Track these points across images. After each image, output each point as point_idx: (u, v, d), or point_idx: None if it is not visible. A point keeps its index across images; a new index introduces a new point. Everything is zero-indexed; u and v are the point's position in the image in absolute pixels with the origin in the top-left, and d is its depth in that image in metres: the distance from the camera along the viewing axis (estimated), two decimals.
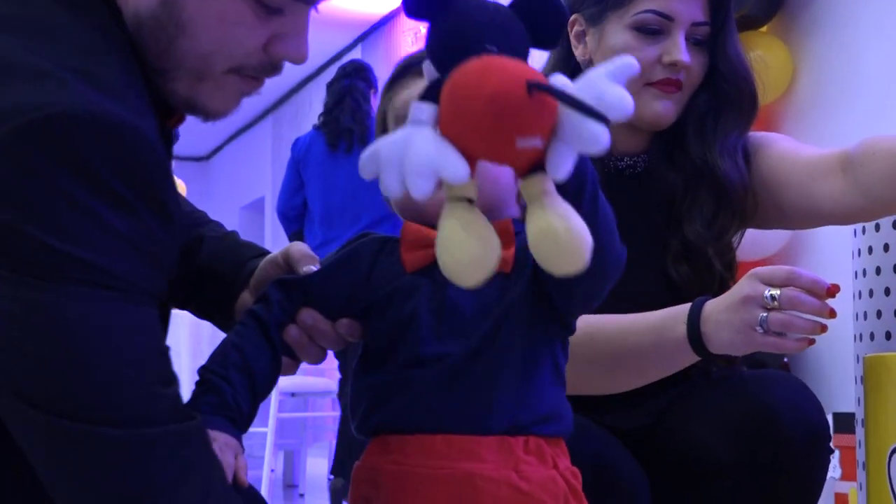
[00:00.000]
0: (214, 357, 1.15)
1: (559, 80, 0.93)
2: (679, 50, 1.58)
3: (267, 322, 1.17)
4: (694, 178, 1.63)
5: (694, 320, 1.39)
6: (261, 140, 9.45)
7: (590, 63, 1.64)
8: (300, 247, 1.24)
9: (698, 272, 1.61)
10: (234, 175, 10.31)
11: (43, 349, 0.94)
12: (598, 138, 0.93)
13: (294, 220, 4.69)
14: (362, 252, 1.19)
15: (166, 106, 1.09)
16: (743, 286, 1.35)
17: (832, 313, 1.31)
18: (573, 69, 1.66)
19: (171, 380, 1.01)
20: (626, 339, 1.45)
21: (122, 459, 0.95)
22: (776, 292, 1.32)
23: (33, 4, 1.01)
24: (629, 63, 0.92)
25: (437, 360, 1.11)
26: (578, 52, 1.65)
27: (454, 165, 0.93)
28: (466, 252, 0.96)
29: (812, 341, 1.33)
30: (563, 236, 0.94)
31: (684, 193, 1.63)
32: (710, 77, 1.63)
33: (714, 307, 1.38)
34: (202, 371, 1.14)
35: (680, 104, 1.62)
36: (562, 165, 0.93)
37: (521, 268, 1.13)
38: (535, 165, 0.95)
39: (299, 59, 1.10)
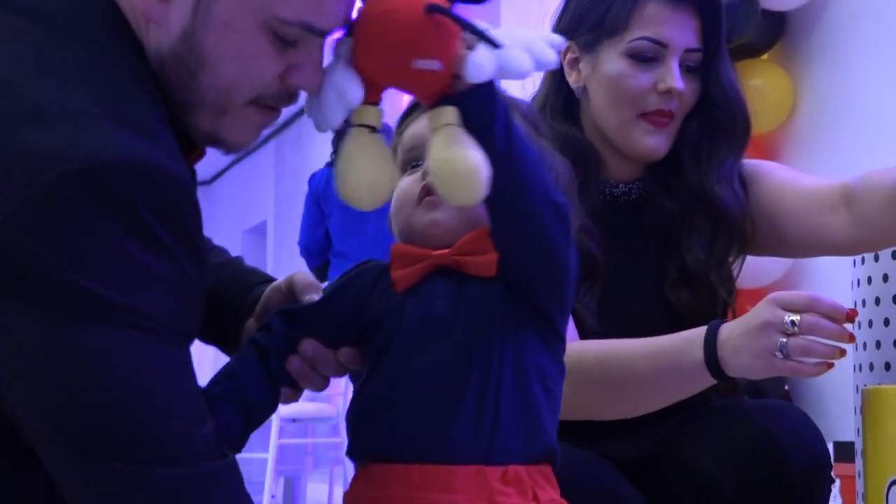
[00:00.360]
0: (213, 382, 1.16)
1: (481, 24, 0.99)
2: (673, 77, 1.59)
3: (267, 351, 1.18)
4: (691, 204, 1.64)
5: (711, 344, 1.39)
6: (264, 164, 9.47)
7: (584, 90, 1.65)
8: (303, 275, 1.26)
9: (698, 297, 1.62)
10: (236, 199, 10.33)
11: (80, 390, 0.95)
12: (522, 63, 0.98)
13: (318, 255, 4.66)
14: (363, 278, 1.21)
15: (187, 139, 1.11)
16: (762, 311, 1.35)
17: (851, 338, 1.32)
18: (567, 96, 1.68)
19: (205, 418, 1.03)
20: (640, 364, 1.45)
21: (158, 497, 0.97)
22: (796, 318, 1.32)
23: (62, 42, 1.02)
24: (560, 42, 1.04)
25: (419, 375, 1.12)
26: (572, 79, 1.67)
27: (348, 86, 1.00)
28: (357, 177, 1.01)
29: (831, 365, 1.33)
30: (460, 165, 0.98)
31: (682, 220, 1.64)
32: (702, 104, 1.65)
33: (731, 332, 1.38)
34: None
35: (671, 136, 1.64)
36: (477, 70, 0.98)
37: (501, 272, 1.14)
38: (443, 97, 1.00)
39: (314, 89, 1.11)
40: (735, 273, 1.68)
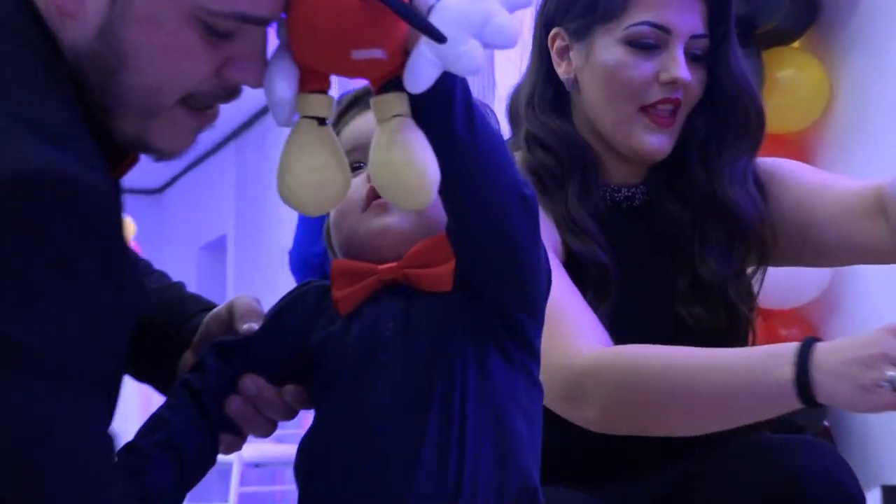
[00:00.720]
0: (141, 433, 1.14)
1: None
2: (678, 66, 1.60)
3: (201, 392, 1.16)
4: (701, 210, 1.65)
5: (803, 364, 1.38)
6: (222, 170, 9.48)
7: (575, 83, 1.67)
8: (245, 300, 1.25)
9: (714, 314, 1.63)
10: (191, 210, 10.32)
11: None
12: (471, 60, 0.97)
13: (315, 269, 4.63)
14: (304, 300, 1.20)
15: (114, 145, 1.11)
16: (880, 341, 1.35)
17: None
18: (557, 87, 1.69)
19: (113, 483, 1.02)
20: (710, 376, 1.45)
21: None
22: None
23: None
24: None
25: (371, 413, 1.11)
26: (562, 69, 1.68)
27: (277, 81, 1.01)
28: (297, 177, 1.00)
29: None
30: (403, 171, 0.98)
31: (692, 228, 1.66)
32: (709, 96, 1.66)
33: (832, 355, 1.38)
34: (124, 450, 1.12)
35: (674, 134, 1.65)
36: (419, 78, 0.97)
37: (459, 283, 1.13)
38: (390, 81, 0.99)
39: (257, 83, 1.11)
40: (756, 287, 1.69)
